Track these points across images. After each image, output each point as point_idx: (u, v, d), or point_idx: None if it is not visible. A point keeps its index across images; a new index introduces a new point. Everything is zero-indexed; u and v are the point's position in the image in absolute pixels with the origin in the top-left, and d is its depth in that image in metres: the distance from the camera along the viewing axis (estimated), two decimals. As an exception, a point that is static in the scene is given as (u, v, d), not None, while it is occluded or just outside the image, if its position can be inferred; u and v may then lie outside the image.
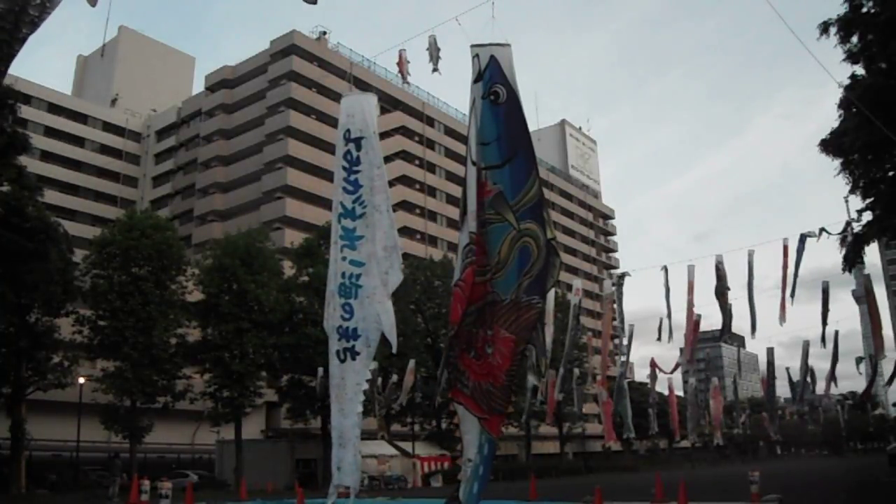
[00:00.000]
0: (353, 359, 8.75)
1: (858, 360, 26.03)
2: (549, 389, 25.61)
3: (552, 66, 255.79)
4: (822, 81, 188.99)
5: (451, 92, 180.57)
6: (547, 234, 8.13)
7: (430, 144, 75.74)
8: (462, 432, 8.54)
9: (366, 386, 9.02)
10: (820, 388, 38.85)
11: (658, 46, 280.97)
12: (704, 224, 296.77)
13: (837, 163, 16.43)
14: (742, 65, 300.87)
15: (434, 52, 14.20)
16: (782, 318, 18.45)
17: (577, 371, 30.92)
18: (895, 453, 25.08)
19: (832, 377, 23.19)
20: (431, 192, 73.92)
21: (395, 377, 33.25)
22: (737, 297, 20.51)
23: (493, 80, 8.24)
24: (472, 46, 8.36)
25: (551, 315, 20.87)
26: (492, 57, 8.27)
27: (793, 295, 18.27)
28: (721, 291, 19.68)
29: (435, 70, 14.64)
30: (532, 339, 8.39)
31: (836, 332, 23.85)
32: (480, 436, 8.27)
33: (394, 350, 9.38)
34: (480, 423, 8.27)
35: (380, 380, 32.05)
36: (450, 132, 78.42)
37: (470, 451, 8.31)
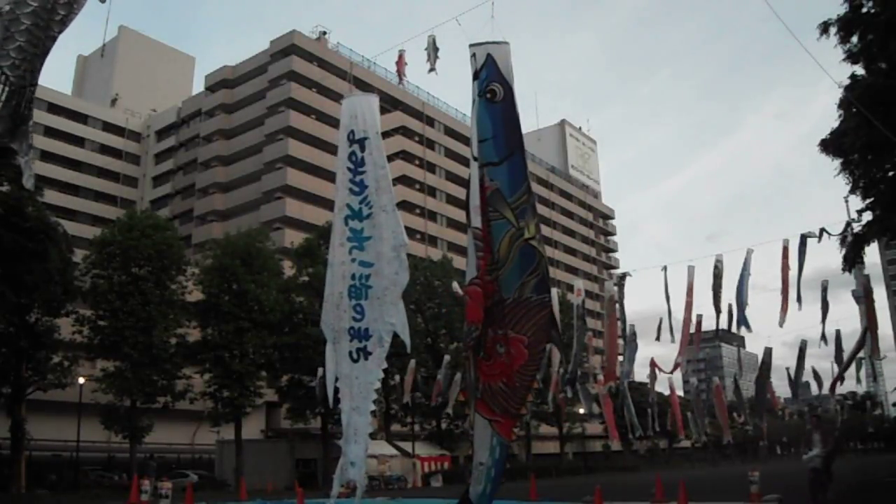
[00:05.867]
0: (366, 358, 8.80)
1: (859, 363, 25.83)
2: (555, 390, 25.50)
3: (544, 66, 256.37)
4: (813, 80, 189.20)
5: (452, 92, 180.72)
6: (526, 233, 8.04)
7: (430, 144, 75.76)
8: (473, 435, 8.49)
9: (378, 385, 9.03)
10: (824, 388, 38.71)
11: (647, 46, 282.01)
12: (699, 223, 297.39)
13: (837, 163, 16.42)
14: (732, 64, 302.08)
15: (432, 53, 14.21)
16: (782, 320, 18.37)
17: (578, 371, 30.85)
18: (818, 467, 13.51)
19: (839, 376, 23.02)
20: (431, 192, 73.94)
21: (397, 377, 33.25)
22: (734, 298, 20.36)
23: (490, 78, 8.24)
24: (471, 46, 8.37)
25: (557, 315, 20.79)
26: (488, 55, 8.27)
27: (799, 299, 18.16)
28: (715, 291, 19.67)
29: (432, 70, 14.65)
30: (552, 338, 8.32)
31: (838, 332, 23.75)
32: (492, 438, 8.20)
33: (408, 349, 9.46)
34: (491, 426, 8.19)
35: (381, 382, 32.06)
36: (450, 132, 78.44)
37: (482, 453, 8.24)
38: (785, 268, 17.94)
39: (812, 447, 13.62)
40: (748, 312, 19.49)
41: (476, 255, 8.21)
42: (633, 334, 23.87)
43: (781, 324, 18.27)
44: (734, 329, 20.58)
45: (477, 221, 8.15)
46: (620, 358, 24.42)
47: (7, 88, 4.55)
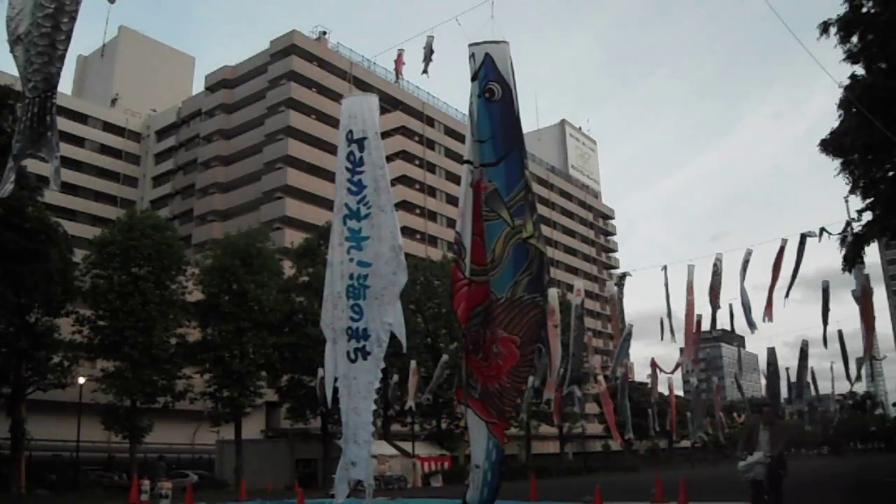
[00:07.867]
0: (365, 358, 8.77)
1: (859, 363, 25.84)
2: (554, 392, 25.49)
3: (543, 66, 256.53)
4: (810, 80, 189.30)
5: (452, 92, 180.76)
6: (524, 232, 8.01)
7: (430, 144, 75.75)
8: (470, 437, 8.44)
9: (378, 384, 9.01)
10: (825, 388, 38.80)
11: (644, 45, 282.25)
12: (698, 223, 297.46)
13: (837, 163, 16.44)
14: (729, 63, 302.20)
15: (427, 54, 14.23)
16: (767, 315, 18.39)
17: (580, 370, 30.87)
18: (759, 479, 10.63)
19: (855, 376, 23.05)
20: (431, 192, 73.92)
21: (396, 377, 33.24)
22: (736, 297, 20.40)
23: (489, 77, 8.20)
24: (470, 45, 8.34)
25: (556, 315, 20.81)
26: (487, 55, 8.24)
27: (787, 295, 18.21)
28: (714, 288, 19.70)
29: (424, 72, 14.71)
30: (541, 338, 8.27)
31: (840, 332, 23.78)
32: (488, 441, 8.16)
33: (404, 349, 9.45)
34: (488, 428, 8.16)
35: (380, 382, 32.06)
36: (450, 132, 78.41)
37: (478, 456, 8.20)
38: (777, 267, 17.98)
39: (754, 450, 10.27)
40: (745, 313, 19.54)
41: (451, 257, 8.21)
42: (629, 334, 23.94)
43: (768, 319, 18.33)
44: (743, 328, 20.61)
45: (459, 225, 8.14)
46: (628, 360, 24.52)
47: (25, 103, 4.59)
